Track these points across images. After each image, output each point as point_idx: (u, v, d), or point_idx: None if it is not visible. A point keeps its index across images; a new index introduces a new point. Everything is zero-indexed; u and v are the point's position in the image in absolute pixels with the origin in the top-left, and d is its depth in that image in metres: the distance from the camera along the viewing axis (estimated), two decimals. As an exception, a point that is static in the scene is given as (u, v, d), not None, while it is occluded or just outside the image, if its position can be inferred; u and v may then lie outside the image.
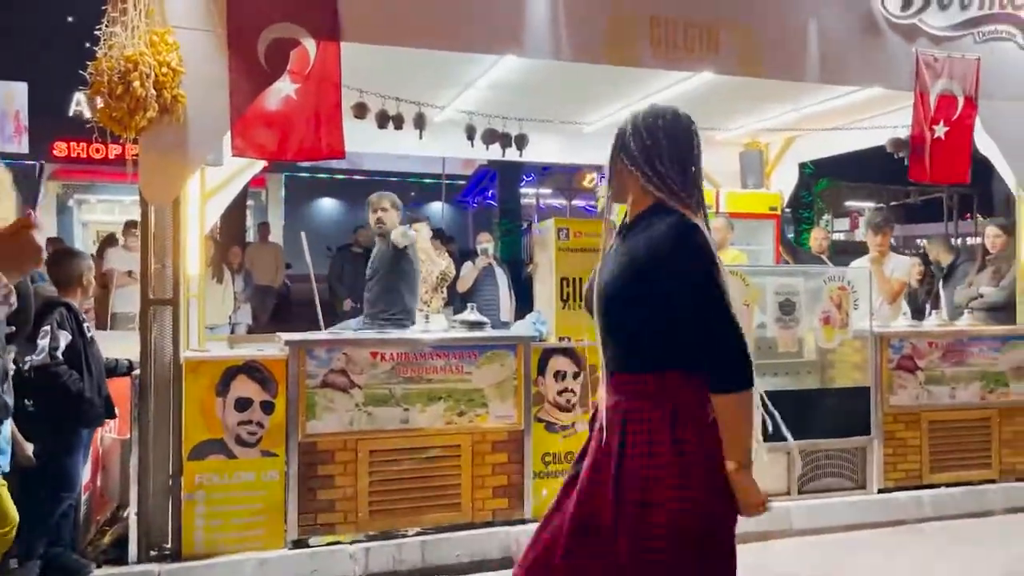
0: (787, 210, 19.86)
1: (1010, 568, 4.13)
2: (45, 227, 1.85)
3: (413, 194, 35.78)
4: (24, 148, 12.32)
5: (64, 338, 3.36)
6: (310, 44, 3.84)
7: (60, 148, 16.37)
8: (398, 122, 4.73)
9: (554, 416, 4.31)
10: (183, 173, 3.71)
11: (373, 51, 4.13)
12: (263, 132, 3.78)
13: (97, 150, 14.23)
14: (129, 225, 7.70)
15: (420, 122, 4.98)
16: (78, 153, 16.03)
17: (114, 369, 3.86)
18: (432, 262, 6.69)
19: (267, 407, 3.81)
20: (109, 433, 4.27)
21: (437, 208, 31.22)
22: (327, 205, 35.18)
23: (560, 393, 4.31)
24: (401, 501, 3.99)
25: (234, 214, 14.08)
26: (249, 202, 23.06)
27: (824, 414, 4.80)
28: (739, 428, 1.97)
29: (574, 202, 23.38)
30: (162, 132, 3.60)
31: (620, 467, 1.99)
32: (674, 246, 1.97)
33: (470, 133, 5.08)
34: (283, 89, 3.80)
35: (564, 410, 4.33)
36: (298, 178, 28.72)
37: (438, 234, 7.71)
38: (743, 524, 3.32)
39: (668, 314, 1.97)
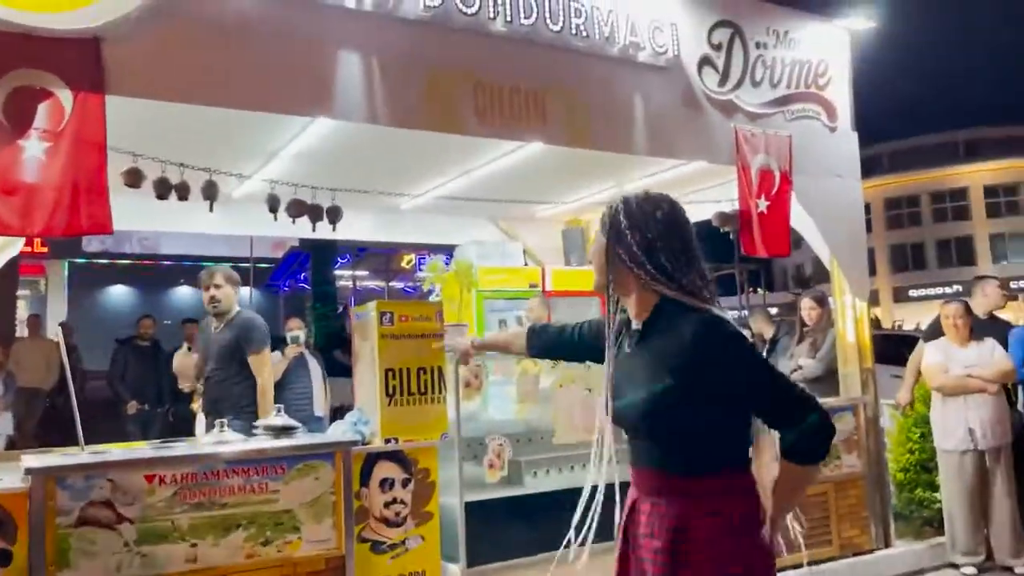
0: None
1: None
2: None
3: (218, 279, 33.75)
4: None
5: None
6: (65, 96, 3.12)
7: None
8: (182, 192, 4.00)
9: (381, 533, 3.67)
10: None
11: (156, 110, 3.47)
12: (1, 202, 2.97)
13: None
14: None
15: (211, 192, 4.28)
16: None
17: None
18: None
19: (1, 558, 2.89)
20: None
21: (245, 293, 29.54)
22: (119, 293, 32.31)
23: (388, 505, 3.69)
24: (188, 662, 3.16)
25: (1, 306, 12.30)
26: (24, 291, 20.51)
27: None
28: (800, 495, 2.01)
29: (392, 283, 22.80)
30: None
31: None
32: (714, 344, 1.86)
33: (273, 204, 4.43)
34: (28, 149, 3.04)
35: (393, 525, 3.70)
36: (83, 264, 26.14)
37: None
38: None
39: (730, 410, 1.89)
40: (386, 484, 3.69)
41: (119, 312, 27.50)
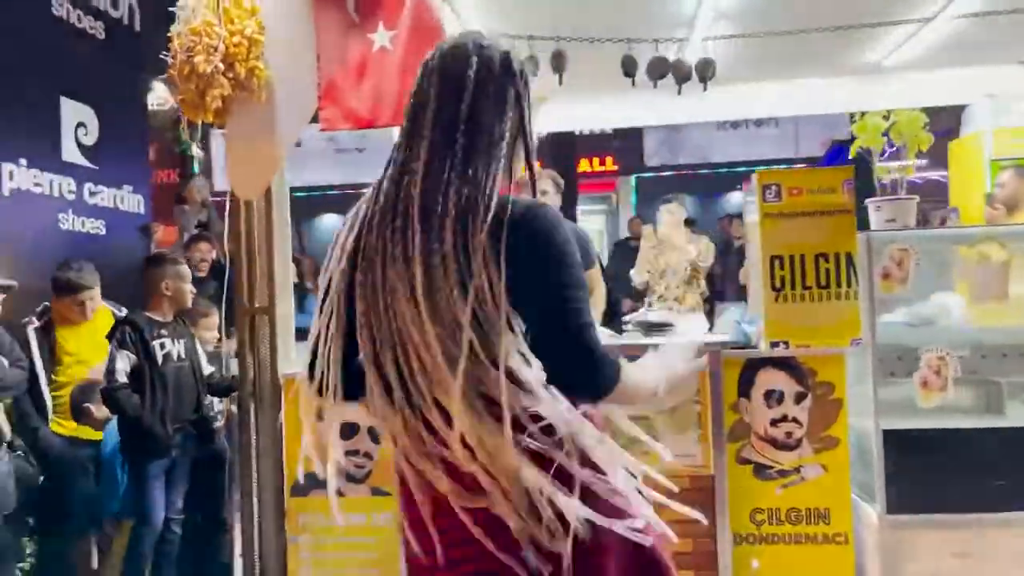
0: None
1: None
2: None
3: (770, 183, 33.38)
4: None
5: (124, 359, 3.02)
6: (406, -17, 3.09)
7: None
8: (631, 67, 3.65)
9: (767, 456, 3.00)
10: (272, 159, 3.17)
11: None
12: (354, 97, 3.09)
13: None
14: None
15: (630, 66, 3.88)
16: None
17: (229, 387, 3.48)
18: (679, 251, 5.53)
19: (375, 434, 3.12)
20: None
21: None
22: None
23: (775, 423, 2.99)
24: (544, 563, 3.02)
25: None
26: (600, 207, 23.17)
27: None
28: None
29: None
30: (244, 113, 3.11)
31: None
32: None
33: (629, 68, 3.81)
34: (377, 41, 3.09)
35: (784, 447, 3.00)
36: (648, 179, 28.33)
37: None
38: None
39: None
40: (773, 397, 2.99)
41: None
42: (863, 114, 3.43)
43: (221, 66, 2.98)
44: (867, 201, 3.32)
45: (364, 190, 1.54)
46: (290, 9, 3.16)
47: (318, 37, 3.11)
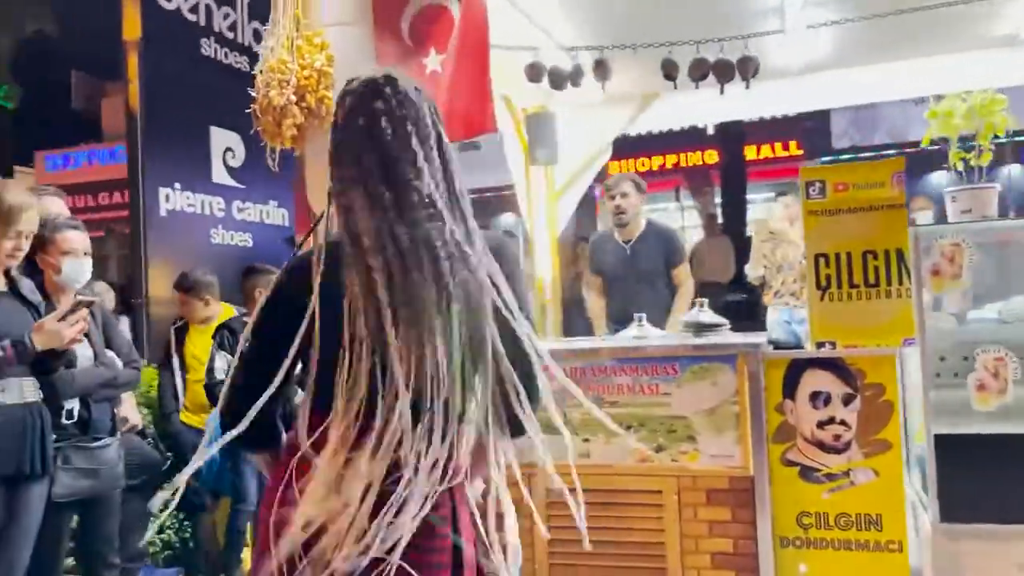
0: None
1: None
2: None
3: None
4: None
5: (222, 359, 3.45)
6: (455, 6, 3.29)
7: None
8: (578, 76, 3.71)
9: (814, 459, 2.92)
10: (343, 178, 3.50)
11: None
12: (411, 120, 3.34)
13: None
14: None
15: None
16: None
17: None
18: (794, 244, 5.33)
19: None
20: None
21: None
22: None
23: (822, 425, 2.91)
24: (584, 557, 3.12)
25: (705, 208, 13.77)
26: (766, 195, 22.32)
27: None
28: None
29: None
30: (317, 138, 3.45)
31: None
32: None
33: (668, 72, 3.67)
34: (428, 65, 3.32)
35: (831, 451, 2.90)
36: (830, 161, 26.85)
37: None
38: None
39: None
40: (819, 399, 2.90)
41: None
42: (939, 98, 3.21)
43: (293, 98, 3.33)
44: (945, 190, 3.13)
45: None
46: (356, 42, 3.46)
47: (379, 65, 3.38)
